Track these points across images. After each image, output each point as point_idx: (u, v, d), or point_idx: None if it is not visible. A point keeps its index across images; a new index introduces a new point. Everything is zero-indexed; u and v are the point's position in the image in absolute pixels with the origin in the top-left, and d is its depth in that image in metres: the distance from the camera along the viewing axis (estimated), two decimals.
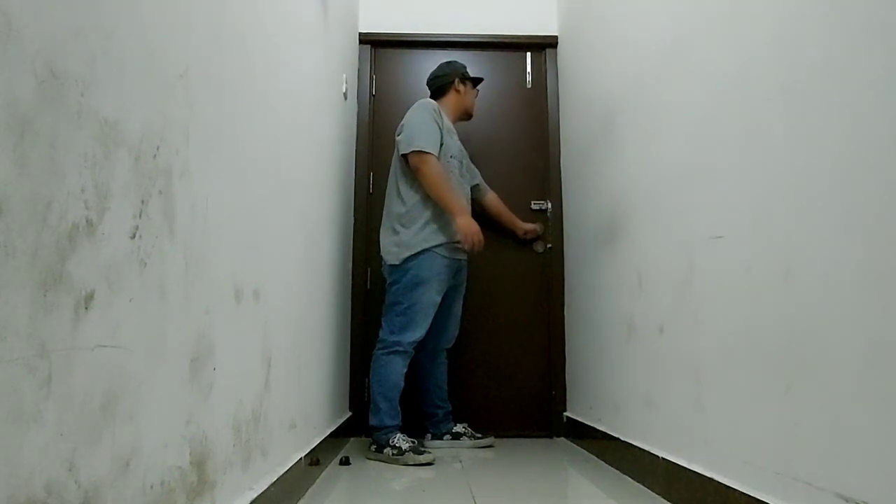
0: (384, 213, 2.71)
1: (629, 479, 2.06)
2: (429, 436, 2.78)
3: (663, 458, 1.78)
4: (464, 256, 2.71)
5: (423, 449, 2.44)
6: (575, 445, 2.81)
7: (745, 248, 1.39)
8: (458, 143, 2.81)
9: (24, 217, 0.62)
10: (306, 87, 2.01)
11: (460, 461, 2.45)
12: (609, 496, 1.89)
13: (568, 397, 3.06)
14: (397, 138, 2.65)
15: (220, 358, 1.16)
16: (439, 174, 2.52)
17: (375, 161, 3.23)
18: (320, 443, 2.09)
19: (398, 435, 2.45)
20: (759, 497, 1.28)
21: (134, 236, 0.84)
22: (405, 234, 2.57)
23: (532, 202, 3.23)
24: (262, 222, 1.48)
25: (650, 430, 1.95)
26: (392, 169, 2.71)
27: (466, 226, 2.52)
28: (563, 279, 3.16)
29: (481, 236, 2.55)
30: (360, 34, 3.29)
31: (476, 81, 2.88)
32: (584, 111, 2.79)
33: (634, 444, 2.03)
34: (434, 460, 2.39)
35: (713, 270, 1.54)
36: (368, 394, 2.68)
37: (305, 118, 2.00)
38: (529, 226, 3.13)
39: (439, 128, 2.60)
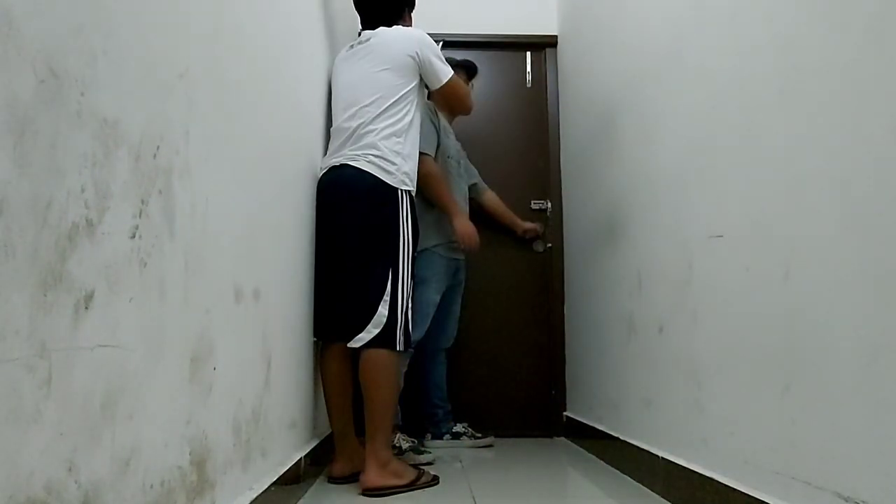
0: None
1: (629, 478, 2.06)
2: (429, 436, 2.78)
3: (662, 458, 1.78)
4: (462, 256, 2.71)
5: (423, 449, 2.44)
6: (575, 445, 2.81)
7: (745, 247, 1.39)
8: (456, 142, 2.80)
9: (24, 217, 0.62)
10: (307, 86, 2.01)
11: (460, 461, 2.45)
12: (608, 496, 1.89)
13: (568, 397, 3.06)
14: None
15: (220, 358, 1.16)
16: (436, 175, 2.51)
17: None
18: (320, 442, 2.09)
19: (398, 435, 2.45)
20: (757, 496, 1.28)
21: (134, 236, 0.84)
22: None
23: (532, 202, 3.23)
24: (262, 222, 1.48)
25: (649, 429, 1.95)
26: None
27: (463, 227, 2.52)
28: (562, 278, 3.16)
29: (477, 238, 2.55)
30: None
31: (468, 70, 2.83)
32: (584, 111, 2.79)
33: (634, 443, 2.03)
34: (434, 460, 2.39)
35: (713, 270, 1.54)
36: None
37: (306, 117, 2.00)
38: (529, 225, 3.13)
39: (436, 128, 2.59)
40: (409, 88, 2.09)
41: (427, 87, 2.22)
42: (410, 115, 2.09)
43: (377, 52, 2.12)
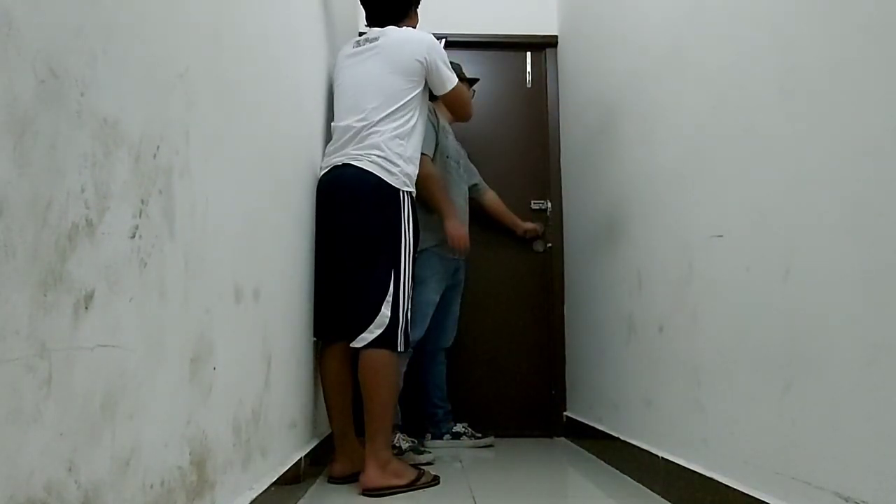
0: None
1: (629, 478, 2.06)
2: (429, 436, 2.78)
3: (662, 458, 1.78)
4: (461, 256, 2.71)
5: (423, 449, 2.44)
6: (575, 445, 2.81)
7: (745, 247, 1.39)
8: (455, 142, 2.80)
9: (24, 217, 0.62)
10: (307, 86, 2.01)
11: (460, 461, 2.45)
12: (608, 496, 1.89)
13: (568, 397, 3.06)
14: None
15: (220, 358, 1.16)
16: (432, 176, 2.51)
17: None
18: (320, 442, 2.09)
19: (398, 435, 2.45)
20: (757, 496, 1.28)
21: (134, 236, 0.84)
22: None
23: (532, 202, 3.23)
24: (262, 222, 1.48)
25: (650, 429, 1.95)
26: None
27: (454, 229, 2.51)
28: (562, 279, 3.16)
29: (467, 242, 2.54)
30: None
31: (471, 82, 2.87)
32: (584, 111, 2.79)
33: (634, 443, 2.03)
34: (434, 460, 2.39)
35: (713, 270, 1.54)
36: None
37: (306, 117, 2.00)
38: (529, 225, 3.13)
39: (434, 128, 2.59)
40: (415, 93, 2.10)
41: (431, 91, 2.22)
42: (415, 118, 2.10)
43: (386, 54, 2.11)
